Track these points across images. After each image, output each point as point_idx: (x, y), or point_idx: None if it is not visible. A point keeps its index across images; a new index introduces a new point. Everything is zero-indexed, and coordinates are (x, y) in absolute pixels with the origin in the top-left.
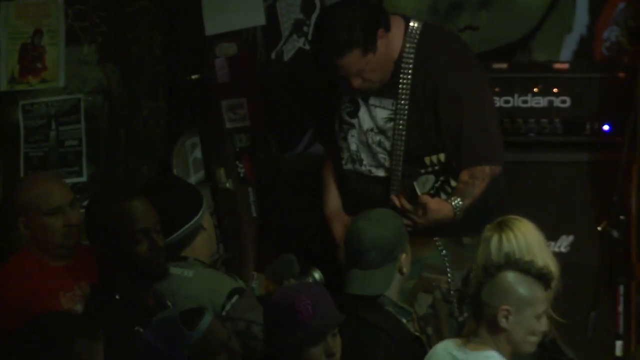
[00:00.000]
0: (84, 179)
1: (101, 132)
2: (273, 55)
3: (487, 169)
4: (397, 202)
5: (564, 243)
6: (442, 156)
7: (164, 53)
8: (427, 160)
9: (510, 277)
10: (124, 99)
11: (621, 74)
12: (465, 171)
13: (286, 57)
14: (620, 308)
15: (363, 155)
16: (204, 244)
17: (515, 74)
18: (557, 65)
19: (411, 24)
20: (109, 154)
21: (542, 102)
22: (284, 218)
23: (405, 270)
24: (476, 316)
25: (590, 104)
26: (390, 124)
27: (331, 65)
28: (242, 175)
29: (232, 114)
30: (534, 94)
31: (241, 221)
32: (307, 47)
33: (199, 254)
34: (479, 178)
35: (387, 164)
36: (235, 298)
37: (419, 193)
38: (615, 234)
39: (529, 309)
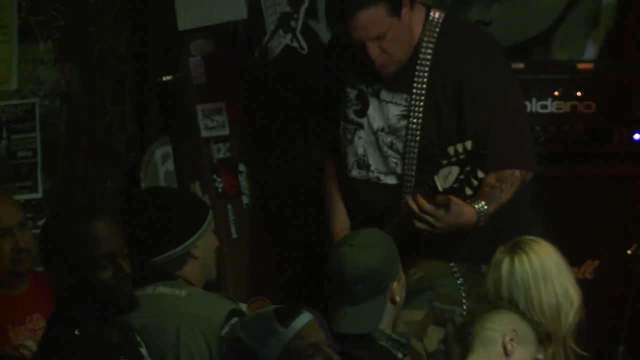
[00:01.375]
0: (39, 195)
1: (59, 142)
2: (256, 54)
3: (517, 172)
4: (412, 203)
5: (588, 269)
6: (468, 144)
7: (130, 51)
8: (450, 150)
9: (512, 311)
10: (85, 103)
11: None
12: (493, 174)
13: (271, 56)
14: None
15: (371, 160)
16: (195, 271)
17: (533, 75)
18: (581, 66)
19: (432, 13)
20: (67, 167)
21: (564, 107)
22: (269, 240)
23: (398, 299)
24: (466, 342)
25: (618, 109)
26: (404, 122)
27: (351, 25)
28: (220, 190)
29: (209, 121)
30: (555, 98)
31: (219, 243)
32: (294, 44)
33: (190, 278)
34: (507, 182)
35: (398, 169)
36: (234, 320)
37: (440, 188)
38: None
39: (530, 346)
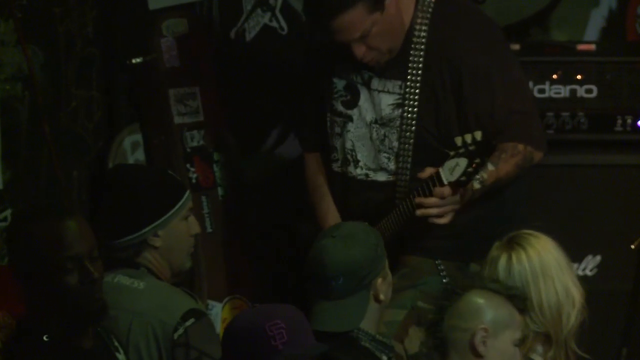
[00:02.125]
0: None
1: (21, 129)
2: (232, 34)
3: (520, 146)
4: (422, 208)
5: (590, 265)
6: (478, 134)
7: (98, 32)
8: (458, 140)
9: (480, 295)
10: (49, 87)
11: None
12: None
13: (248, 37)
14: None
15: (360, 155)
16: (157, 261)
17: (530, 57)
18: (582, 47)
19: None
20: (30, 156)
21: (563, 91)
22: (246, 234)
23: (382, 297)
24: (441, 348)
25: (621, 94)
26: (398, 112)
27: (330, 29)
28: (194, 181)
29: (182, 106)
30: (553, 82)
31: (199, 230)
32: (273, 23)
33: (153, 267)
34: (507, 152)
35: (391, 165)
36: (190, 321)
37: (445, 181)
38: None
39: (506, 332)
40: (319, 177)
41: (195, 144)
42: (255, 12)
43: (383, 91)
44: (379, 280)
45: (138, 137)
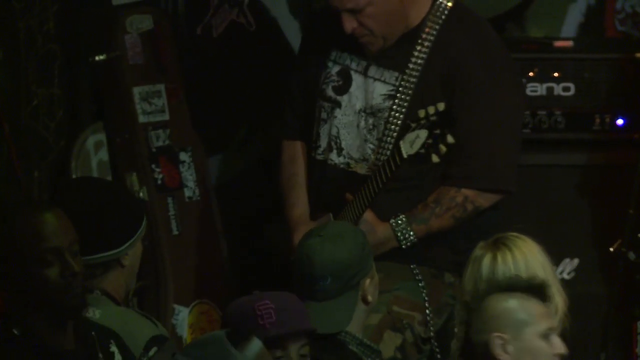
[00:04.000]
0: None
1: None
2: (198, 31)
3: (459, 198)
4: None
5: (567, 268)
6: (441, 105)
7: (59, 27)
8: (421, 112)
9: (495, 299)
10: (9, 85)
11: (638, 55)
12: (436, 192)
13: (215, 33)
14: (638, 349)
15: (344, 143)
16: (118, 280)
17: None
18: (559, 43)
19: None
20: None
21: (540, 89)
22: (213, 236)
23: (370, 298)
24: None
25: (599, 92)
26: (388, 103)
27: None
28: (159, 182)
29: (147, 105)
30: (529, 79)
31: (158, 240)
32: (241, 19)
33: (111, 288)
34: (442, 205)
35: (373, 157)
36: (153, 350)
37: (404, 155)
38: (631, 256)
39: (528, 329)
40: (294, 166)
41: (160, 143)
42: (222, 8)
43: (379, 80)
44: (367, 280)
45: (101, 136)
